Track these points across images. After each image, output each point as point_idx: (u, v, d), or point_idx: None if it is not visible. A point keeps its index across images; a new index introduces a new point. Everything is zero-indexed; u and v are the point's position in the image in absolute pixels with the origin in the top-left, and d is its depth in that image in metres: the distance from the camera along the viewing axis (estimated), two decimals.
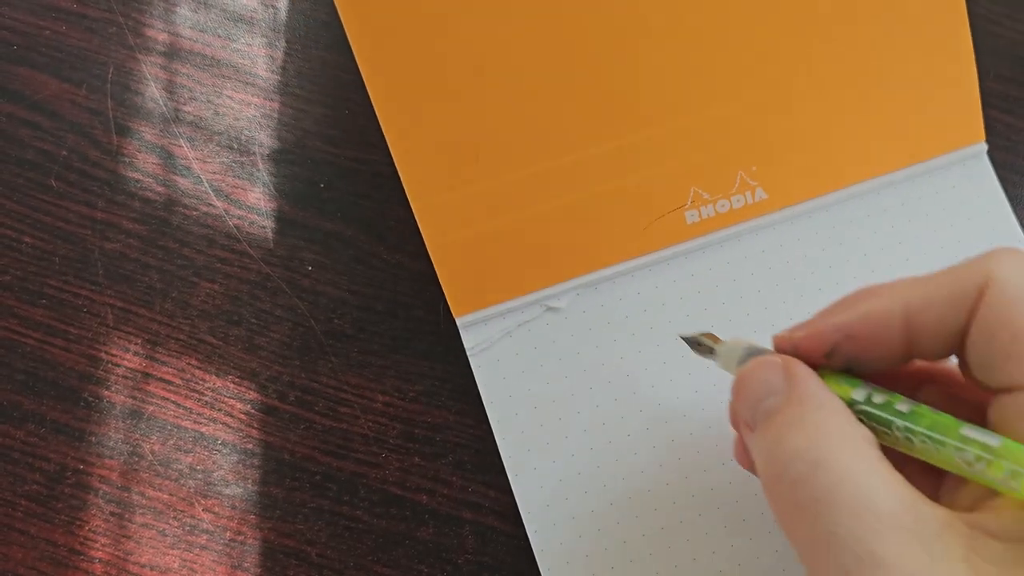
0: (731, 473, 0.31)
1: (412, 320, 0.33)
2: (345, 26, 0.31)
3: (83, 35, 0.35)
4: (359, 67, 0.31)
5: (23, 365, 0.32)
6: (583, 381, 0.32)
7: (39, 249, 0.33)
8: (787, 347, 0.26)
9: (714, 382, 0.32)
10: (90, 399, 0.32)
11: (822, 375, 0.25)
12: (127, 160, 0.34)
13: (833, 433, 0.23)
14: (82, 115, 0.34)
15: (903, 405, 0.23)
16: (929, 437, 0.22)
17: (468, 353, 0.32)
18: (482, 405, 0.32)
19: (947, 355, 0.24)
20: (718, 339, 0.28)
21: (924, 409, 0.23)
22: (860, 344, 0.25)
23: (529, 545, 0.31)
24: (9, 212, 0.33)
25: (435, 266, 0.32)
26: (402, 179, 0.32)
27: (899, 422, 0.23)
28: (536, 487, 0.31)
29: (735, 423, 0.26)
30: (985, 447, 0.21)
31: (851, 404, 0.24)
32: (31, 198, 0.33)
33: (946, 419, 0.23)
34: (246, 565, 0.31)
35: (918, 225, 0.34)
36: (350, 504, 0.31)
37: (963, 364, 0.24)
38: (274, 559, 0.31)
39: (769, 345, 0.26)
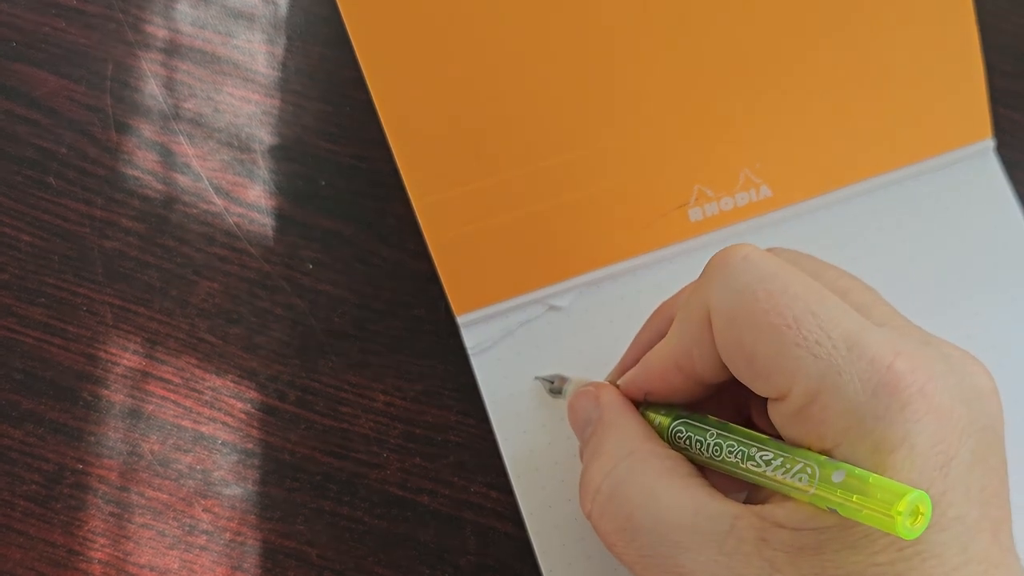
0: None
1: (413, 319, 0.33)
2: (346, 23, 0.31)
3: (82, 31, 0.35)
4: (360, 64, 0.31)
5: (21, 364, 0.32)
6: (587, 379, 0.32)
7: (37, 247, 0.33)
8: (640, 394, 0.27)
9: None
10: (89, 398, 0.32)
11: (644, 405, 0.27)
12: (126, 157, 0.34)
13: (625, 456, 0.24)
14: (81, 112, 0.34)
15: (714, 426, 0.24)
16: (734, 447, 0.23)
17: (469, 352, 0.32)
18: (483, 405, 0.32)
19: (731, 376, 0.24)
20: (565, 379, 0.31)
21: (733, 426, 0.24)
22: (659, 396, 0.26)
23: (531, 546, 0.30)
24: (7, 210, 0.33)
25: (436, 264, 0.32)
26: (403, 177, 0.31)
27: (708, 440, 0.24)
28: (538, 488, 0.31)
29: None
30: (781, 449, 0.22)
31: (666, 428, 0.25)
32: (29, 196, 0.33)
33: (748, 433, 0.24)
34: (246, 566, 0.30)
35: (924, 222, 0.34)
36: (350, 505, 0.31)
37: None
38: (274, 560, 0.31)
39: None
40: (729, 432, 0.24)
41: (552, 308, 0.32)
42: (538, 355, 0.32)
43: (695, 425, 0.25)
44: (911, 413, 0.20)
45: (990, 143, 0.34)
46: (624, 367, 0.28)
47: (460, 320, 0.32)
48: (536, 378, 0.31)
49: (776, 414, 0.23)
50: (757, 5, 0.32)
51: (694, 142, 0.33)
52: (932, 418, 0.20)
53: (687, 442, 0.25)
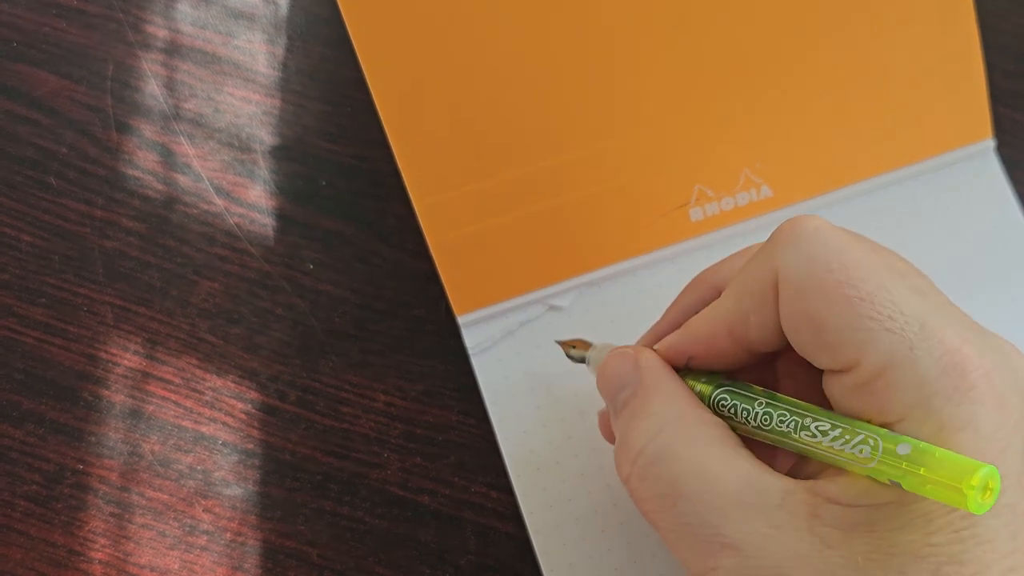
0: None
1: (413, 319, 0.33)
2: (347, 23, 0.31)
3: (82, 32, 0.35)
4: (361, 64, 0.31)
5: (22, 364, 0.32)
6: (586, 381, 0.32)
7: (38, 247, 0.33)
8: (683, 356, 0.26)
9: None
10: (89, 398, 0.32)
11: (684, 372, 0.26)
12: (127, 157, 0.34)
13: (673, 421, 0.24)
14: (81, 112, 0.34)
15: (762, 395, 0.24)
16: (785, 416, 0.23)
17: (470, 352, 0.32)
18: (484, 405, 0.31)
19: (784, 345, 0.24)
20: (588, 344, 0.29)
21: (780, 396, 0.23)
22: (701, 362, 0.25)
23: (531, 547, 0.30)
24: (8, 210, 0.33)
25: (436, 265, 0.32)
26: (403, 177, 0.31)
27: (756, 408, 0.23)
28: (539, 488, 0.31)
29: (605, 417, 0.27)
30: (836, 421, 0.22)
31: (708, 396, 0.25)
32: (30, 196, 0.33)
33: (798, 403, 0.23)
34: (246, 566, 0.30)
35: (924, 222, 0.34)
36: (351, 505, 0.31)
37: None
38: (275, 560, 0.31)
39: None
40: (778, 401, 0.23)
41: (553, 308, 0.32)
42: (539, 355, 0.32)
43: (741, 393, 0.24)
44: (978, 396, 0.20)
45: (990, 143, 0.34)
46: (659, 333, 0.28)
47: (461, 320, 0.32)
48: (557, 342, 0.30)
49: (836, 386, 0.22)
50: (757, 5, 0.32)
51: (694, 142, 0.33)
52: (994, 405, 0.20)
53: (732, 410, 0.24)
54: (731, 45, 0.32)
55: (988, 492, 0.19)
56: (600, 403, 0.31)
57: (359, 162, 0.34)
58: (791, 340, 0.23)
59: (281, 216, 0.33)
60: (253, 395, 0.32)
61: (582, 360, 0.29)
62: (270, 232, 0.33)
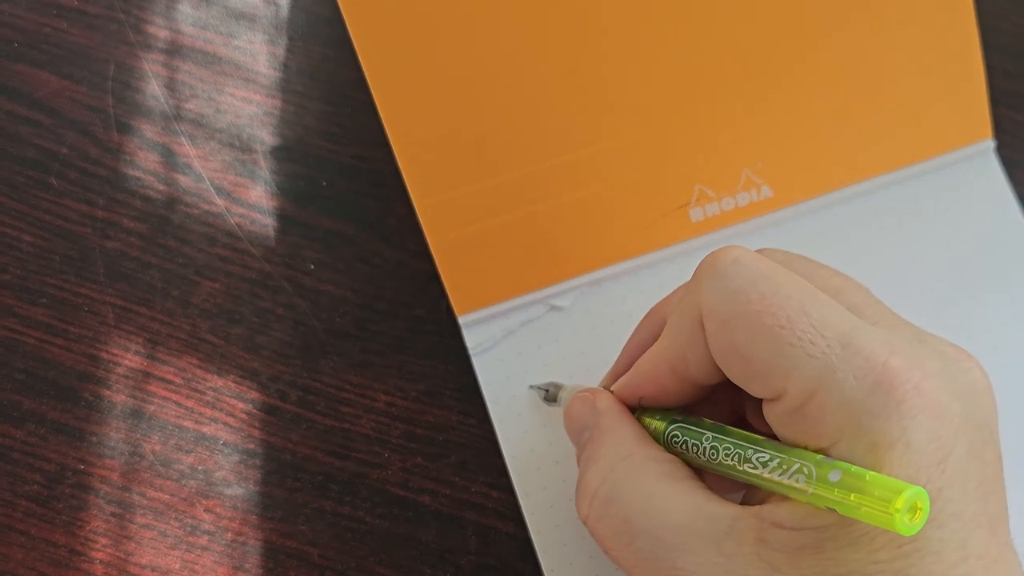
0: None
1: (414, 319, 0.33)
2: (347, 23, 0.31)
3: (83, 32, 0.35)
4: (361, 64, 0.31)
5: (23, 364, 0.32)
6: (587, 381, 0.32)
7: (39, 247, 0.33)
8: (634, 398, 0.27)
9: None
10: (90, 399, 0.32)
11: (640, 410, 0.27)
12: (128, 158, 0.34)
13: (622, 460, 0.25)
14: (82, 112, 0.34)
15: (710, 429, 0.24)
16: (730, 449, 0.23)
17: (470, 352, 0.32)
18: (485, 405, 0.32)
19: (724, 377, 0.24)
20: (559, 386, 0.30)
21: (729, 428, 0.24)
22: (653, 400, 0.26)
23: (532, 546, 0.30)
24: (9, 210, 0.33)
25: (437, 265, 0.32)
26: (404, 177, 0.31)
27: (704, 443, 0.24)
28: (539, 488, 0.31)
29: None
30: (777, 450, 0.22)
31: (662, 433, 0.25)
32: (31, 196, 0.33)
33: (744, 434, 0.24)
34: (247, 566, 0.30)
35: (924, 222, 0.34)
36: (352, 505, 0.31)
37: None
38: (275, 560, 0.31)
39: None
40: (724, 435, 0.24)
41: (553, 308, 0.32)
42: (539, 355, 0.32)
43: (690, 429, 0.25)
44: (907, 410, 0.20)
45: (990, 143, 0.34)
46: (617, 372, 0.29)
47: (461, 320, 0.32)
48: (531, 387, 0.31)
49: (771, 414, 0.23)
50: (758, 5, 0.32)
51: (695, 142, 0.33)
52: (928, 415, 0.20)
53: (683, 446, 0.25)
54: (732, 45, 0.33)
55: (917, 512, 0.19)
56: None
57: (360, 162, 0.34)
58: (725, 372, 0.23)
59: (282, 216, 0.34)
60: (254, 395, 0.32)
61: (554, 401, 0.30)
62: (271, 232, 0.33)
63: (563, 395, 0.30)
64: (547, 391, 0.31)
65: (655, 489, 0.23)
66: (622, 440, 0.25)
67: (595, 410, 0.27)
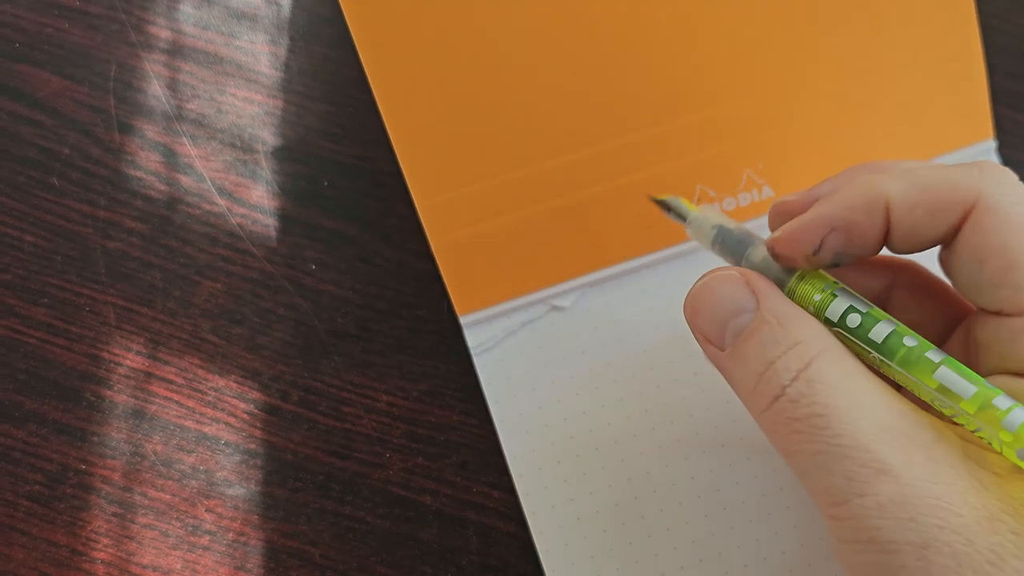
0: (736, 473, 0.31)
1: (415, 319, 0.33)
2: (349, 23, 0.31)
3: (85, 32, 0.35)
4: (363, 64, 0.31)
5: (24, 364, 0.32)
6: (588, 381, 0.32)
7: (40, 248, 0.33)
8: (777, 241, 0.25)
9: (720, 382, 0.32)
10: (92, 399, 0.32)
11: (801, 277, 0.24)
12: (129, 158, 0.34)
13: (826, 349, 0.22)
14: (84, 113, 0.34)
15: (879, 329, 0.23)
16: (901, 373, 0.22)
17: (472, 352, 0.32)
18: (486, 405, 0.32)
19: (920, 251, 0.23)
20: (691, 205, 0.27)
21: (898, 337, 0.22)
22: (843, 237, 0.24)
23: (533, 546, 0.30)
24: (10, 210, 0.33)
25: (439, 265, 0.32)
26: (406, 177, 0.31)
27: (873, 354, 0.22)
28: (540, 487, 0.31)
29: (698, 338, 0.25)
30: (956, 398, 0.21)
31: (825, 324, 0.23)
32: (32, 196, 0.33)
33: (919, 352, 0.22)
34: (249, 566, 0.30)
35: None
36: (353, 505, 0.31)
37: (947, 270, 0.23)
38: (277, 560, 0.31)
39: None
40: (896, 346, 0.22)
41: (555, 308, 0.32)
42: (541, 355, 0.32)
43: (862, 331, 0.23)
44: None
45: (991, 143, 0.34)
46: (792, 209, 0.25)
47: (463, 320, 0.32)
48: (651, 198, 0.29)
49: (991, 328, 0.22)
50: (759, 6, 0.32)
51: (696, 143, 0.33)
52: None
53: (851, 345, 0.23)
54: (732, 46, 0.33)
55: None
56: (609, 406, 0.31)
57: (361, 162, 0.34)
58: (961, 266, 0.22)
59: (283, 216, 0.34)
60: (255, 395, 0.32)
61: (682, 219, 0.27)
62: (272, 232, 0.33)
63: (694, 219, 0.27)
64: (668, 208, 0.28)
65: (860, 383, 0.22)
66: (814, 330, 0.23)
67: (751, 293, 0.24)
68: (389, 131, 0.31)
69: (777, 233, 0.24)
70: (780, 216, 0.26)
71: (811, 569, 0.30)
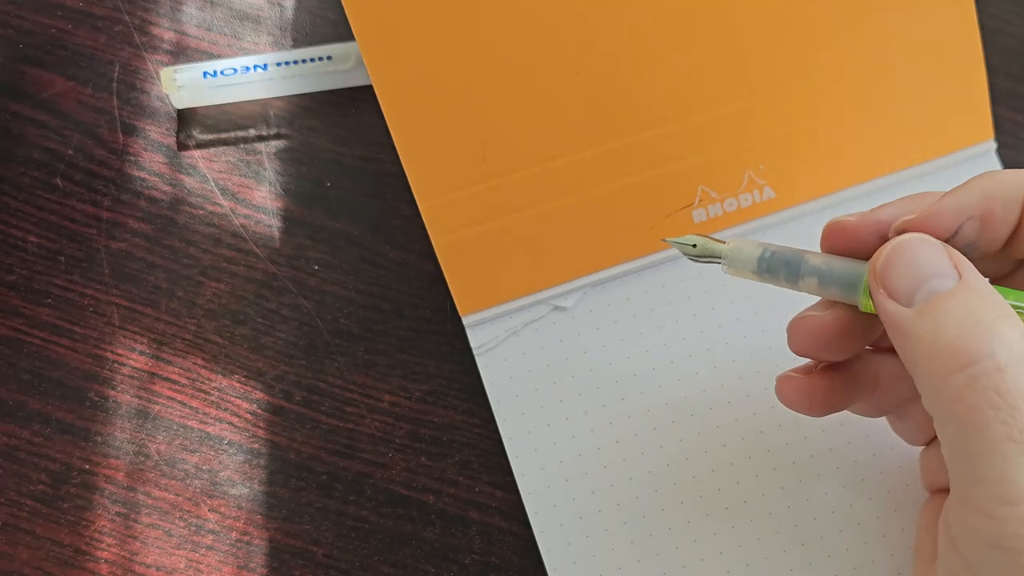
0: (738, 474, 0.31)
1: (418, 319, 0.33)
2: (352, 25, 0.31)
3: (89, 34, 0.35)
4: (366, 65, 0.31)
5: (28, 364, 0.32)
6: (590, 380, 0.32)
7: (45, 248, 0.33)
8: (877, 235, 0.24)
9: (722, 382, 0.32)
10: (96, 399, 0.32)
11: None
12: (133, 159, 0.34)
13: (1016, 330, 0.21)
14: (88, 114, 0.34)
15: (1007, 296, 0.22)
16: None
17: (475, 352, 0.32)
18: (489, 405, 0.32)
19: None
20: (713, 239, 0.27)
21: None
22: (977, 226, 0.23)
23: (536, 545, 0.30)
24: (14, 211, 0.33)
25: (441, 265, 0.32)
26: (408, 178, 0.32)
27: None
28: (543, 487, 0.31)
29: (874, 292, 0.23)
30: None
31: None
32: (37, 197, 0.33)
33: None
34: (252, 565, 0.31)
35: None
36: (356, 504, 0.31)
37: None
38: (280, 559, 0.31)
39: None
40: None
41: (557, 308, 0.32)
42: (543, 355, 0.32)
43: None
44: None
45: (992, 144, 0.35)
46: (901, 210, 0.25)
47: (465, 320, 0.32)
48: (666, 240, 0.28)
49: None
50: (761, 8, 0.33)
51: (698, 144, 0.33)
52: None
53: None
54: (734, 48, 0.33)
55: None
56: (612, 406, 0.31)
57: (364, 163, 0.34)
58: None
59: (287, 217, 0.34)
60: (259, 395, 0.32)
61: (711, 259, 0.26)
62: (276, 233, 0.33)
63: (730, 251, 0.26)
64: (693, 246, 0.27)
65: None
66: (1012, 311, 0.22)
67: (960, 261, 0.22)
68: (392, 132, 0.31)
69: (909, 216, 0.23)
70: (837, 234, 0.25)
71: (812, 568, 0.30)
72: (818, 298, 0.26)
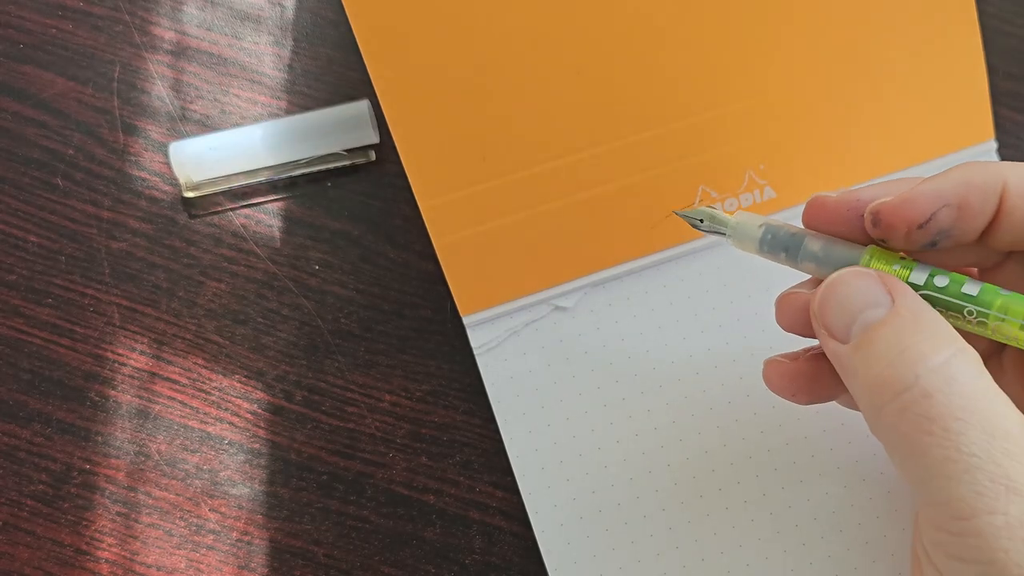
0: (739, 474, 0.31)
1: (419, 319, 0.33)
2: (352, 25, 0.31)
3: (89, 33, 0.35)
4: (366, 66, 0.31)
5: (29, 364, 0.32)
6: (590, 380, 0.32)
7: (45, 248, 0.33)
8: (855, 213, 0.24)
9: (722, 382, 0.32)
10: (96, 399, 0.32)
11: (871, 256, 0.24)
12: (133, 159, 0.34)
13: (961, 351, 0.21)
14: (88, 114, 0.34)
15: (970, 286, 0.22)
16: (1002, 319, 0.21)
17: (475, 352, 0.32)
18: (489, 404, 0.32)
19: (1021, 248, 0.23)
20: (723, 211, 0.27)
21: (992, 289, 0.22)
22: (953, 214, 0.23)
23: (536, 545, 0.30)
24: (15, 211, 0.33)
25: (442, 265, 0.32)
26: (409, 178, 0.32)
27: (969, 307, 0.22)
28: (543, 487, 0.31)
29: (819, 335, 0.24)
30: None
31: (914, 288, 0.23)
32: (37, 197, 0.33)
33: (1017, 298, 0.22)
34: (252, 565, 0.31)
35: None
36: (357, 504, 0.31)
37: None
38: (280, 559, 0.31)
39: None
40: (992, 292, 0.22)
41: (557, 308, 0.32)
42: (543, 355, 0.32)
43: (953, 287, 0.23)
44: None
45: (992, 144, 0.35)
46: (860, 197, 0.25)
47: (466, 320, 0.32)
48: (676, 212, 0.28)
49: None
50: (761, 8, 0.33)
51: (698, 144, 0.33)
52: None
53: (946, 305, 0.23)
54: (735, 48, 0.33)
55: None
56: (612, 406, 0.31)
57: (365, 163, 0.34)
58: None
59: (287, 217, 0.34)
60: (259, 395, 0.32)
61: (715, 231, 0.27)
62: (276, 233, 0.33)
63: (736, 224, 0.26)
64: (700, 221, 0.27)
65: (989, 388, 0.21)
66: (946, 331, 0.22)
67: (894, 286, 0.23)
68: (393, 132, 0.31)
69: (886, 198, 0.24)
70: (816, 208, 0.25)
71: (813, 568, 0.30)
72: None
